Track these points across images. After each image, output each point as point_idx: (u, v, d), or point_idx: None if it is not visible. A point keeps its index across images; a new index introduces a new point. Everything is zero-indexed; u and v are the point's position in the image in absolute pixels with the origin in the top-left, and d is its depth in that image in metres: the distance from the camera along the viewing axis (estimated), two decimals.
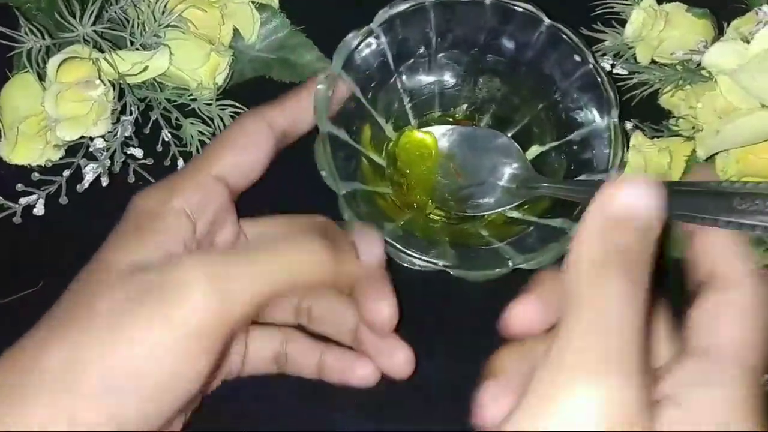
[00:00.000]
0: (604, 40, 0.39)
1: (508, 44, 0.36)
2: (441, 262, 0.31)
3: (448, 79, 0.38)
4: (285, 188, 0.35)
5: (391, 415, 0.36)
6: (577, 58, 0.35)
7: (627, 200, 0.23)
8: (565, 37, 0.35)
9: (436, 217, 0.36)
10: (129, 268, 0.27)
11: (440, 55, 0.37)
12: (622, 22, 0.39)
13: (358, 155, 0.35)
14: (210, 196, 0.31)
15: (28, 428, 0.25)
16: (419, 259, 0.31)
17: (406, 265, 0.32)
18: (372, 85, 0.36)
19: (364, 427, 0.35)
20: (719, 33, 0.38)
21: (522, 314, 0.28)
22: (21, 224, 0.37)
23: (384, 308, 0.30)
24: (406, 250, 0.31)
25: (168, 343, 0.26)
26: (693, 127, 0.38)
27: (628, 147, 0.36)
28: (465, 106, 0.38)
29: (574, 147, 0.36)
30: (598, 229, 0.23)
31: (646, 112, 0.39)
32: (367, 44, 0.35)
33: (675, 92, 0.39)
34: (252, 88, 0.40)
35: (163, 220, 0.29)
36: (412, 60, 0.36)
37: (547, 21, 0.35)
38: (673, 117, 0.40)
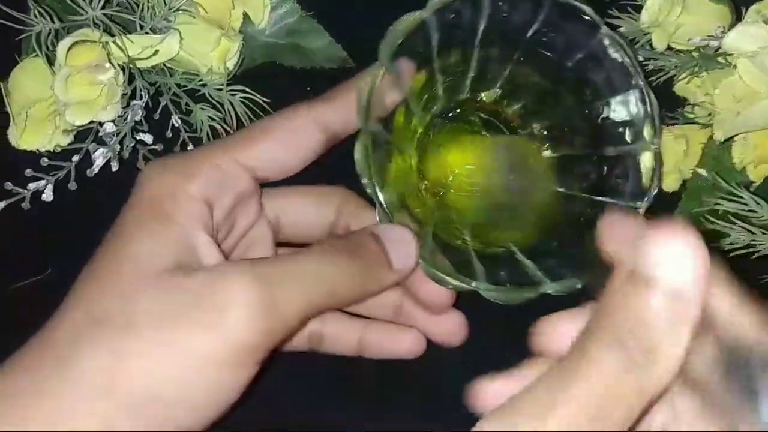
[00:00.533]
0: (619, 26, 0.38)
1: (558, 41, 0.33)
2: (474, 284, 0.30)
3: (485, 64, 0.35)
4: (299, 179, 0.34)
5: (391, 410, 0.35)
6: (629, 73, 0.33)
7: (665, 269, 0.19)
8: (619, 48, 0.33)
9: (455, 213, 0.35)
10: (166, 270, 0.26)
11: (483, 41, 0.34)
12: (638, 8, 0.38)
13: (391, 150, 0.33)
14: (230, 181, 0.29)
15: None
16: (452, 279, 0.30)
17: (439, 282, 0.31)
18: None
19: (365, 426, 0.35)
20: (737, 18, 0.38)
21: (551, 332, 0.26)
22: (30, 210, 0.37)
23: (443, 290, 0.30)
24: (440, 273, 0.30)
25: (215, 355, 0.25)
26: (709, 114, 0.38)
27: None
28: (497, 91, 0.36)
29: (607, 163, 0.34)
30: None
31: (662, 99, 0.39)
32: (415, 32, 0.31)
33: (691, 79, 0.39)
34: (262, 73, 0.40)
35: (181, 208, 0.28)
36: (454, 45, 0.34)
37: (604, 29, 0.33)
38: (689, 104, 0.39)
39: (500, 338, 0.35)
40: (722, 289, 0.21)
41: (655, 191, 0.32)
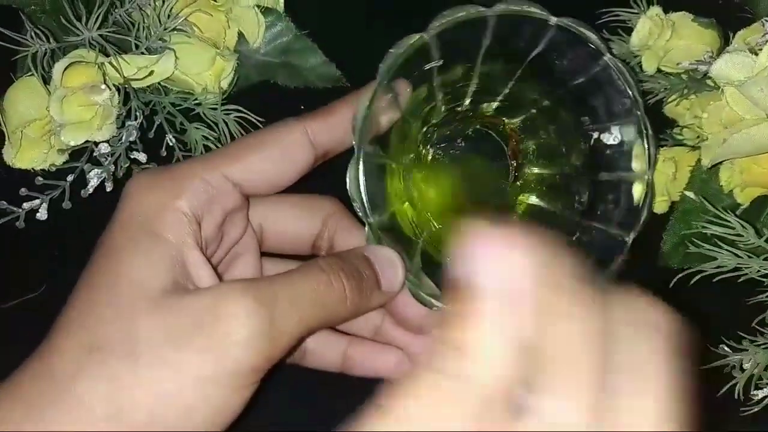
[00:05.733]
0: (610, 48, 0.39)
1: (562, 64, 0.33)
2: None
3: (487, 79, 0.35)
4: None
5: None
6: (628, 101, 0.33)
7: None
8: (621, 77, 0.32)
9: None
10: (164, 292, 0.26)
11: (486, 60, 0.34)
12: (629, 31, 0.39)
13: (385, 170, 0.33)
14: (218, 197, 0.29)
15: None
16: (439, 301, 0.30)
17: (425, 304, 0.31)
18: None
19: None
20: (725, 43, 0.38)
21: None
22: (24, 229, 0.37)
23: (426, 310, 0.30)
24: (426, 296, 0.30)
25: (217, 378, 0.25)
26: (698, 137, 0.38)
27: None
28: (496, 105, 0.36)
29: (599, 188, 0.34)
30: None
31: (652, 121, 0.39)
32: (416, 55, 0.31)
33: (680, 102, 0.39)
34: (257, 92, 0.40)
35: (171, 225, 0.27)
36: (455, 63, 0.33)
37: (607, 56, 0.32)
38: (678, 126, 0.40)
39: None
40: None
41: (643, 223, 0.32)
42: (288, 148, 0.30)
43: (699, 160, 0.38)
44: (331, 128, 0.30)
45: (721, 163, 0.37)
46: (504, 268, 0.17)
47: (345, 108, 0.30)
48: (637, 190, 0.33)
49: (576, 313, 0.17)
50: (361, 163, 0.29)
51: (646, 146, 0.33)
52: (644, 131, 0.33)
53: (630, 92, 0.32)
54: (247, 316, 0.25)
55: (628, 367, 0.18)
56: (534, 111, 0.36)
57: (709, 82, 0.38)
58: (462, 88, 0.35)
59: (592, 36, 0.32)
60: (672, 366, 0.18)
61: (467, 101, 0.36)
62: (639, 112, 0.33)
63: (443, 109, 0.35)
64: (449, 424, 0.16)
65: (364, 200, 0.29)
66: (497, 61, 0.34)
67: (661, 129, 0.40)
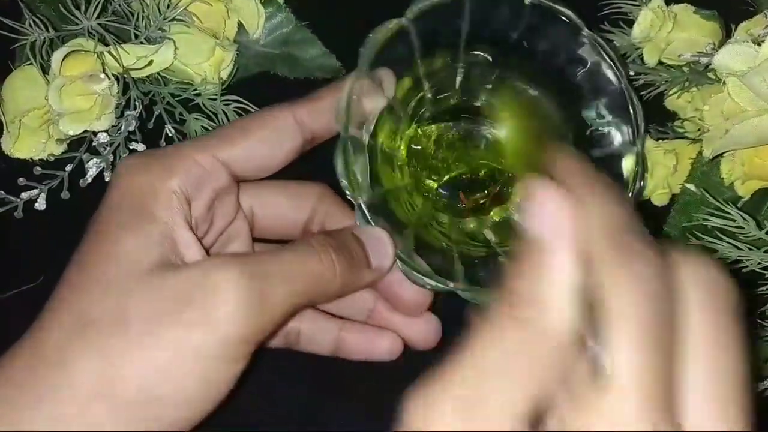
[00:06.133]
0: (611, 41, 0.39)
1: (543, 46, 0.34)
2: (451, 285, 0.31)
3: (472, 69, 0.35)
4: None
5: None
6: (611, 76, 0.33)
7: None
8: (601, 51, 0.33)
9: (444, 219, 0.36)
10: (154, 268, 0.26)
11: (468, 47, 0.34)
12: (630, 23, 0.39)
13: (374, 153, 0.34)
14: (208, 177, 0.29)
15: None
16: (430, 279, 0.31)
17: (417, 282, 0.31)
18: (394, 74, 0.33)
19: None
20: (727, 35, 0.38)
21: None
22: (22, 219, 0.37)
23: (420, 292, 0.31)
24: (417, 274, 0.31)
25: (206, 351, 0.25)
26: (699, 130, 0.38)
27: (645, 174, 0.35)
28: (484, 97, 0.37)
29: (594, 165, 0.35)
30: None
31: (653, 114, 0.39)
32: (395, 38, 0.32)
33: (681, 94, 0.39)
34: (256, 83, 0.40)
35: (162, 204, 0.28)
36: (438, 50, 0.34)
37: (585, 32, 0.33)
38: (679, 119, 0.40)
39: None
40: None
41: (639, 193, 0.33)
42: (276, 132, 0.30)
43: (700, 153, 0.37)
44: (318, 113, 0.31)
45: (722, 155, 0.37)
46: (570, 221, 0.18)
47: (331, 94, 0.31)
48: (628, 163, 0.33)
49: (643, 271, 0.18)
50: (345, 145, 0.30)
51: (633, 118, 0.33)
52: (630, 103, 0.33)
53: (612, 65, 0.33)
54: (235, 288, 0.25)
55: (698, 330, 0.18)
56: (523, 100, 0.36)
57: (710, 74, 0.38)
58: (449, 79, 0.35)
59: (568, 12, 0.33)
60: (738, 334, 0.19)
61: (456, 95, 0.36)
62: (623, 85, 0.33)
63: (432, 102, 0.36)
64: (525, 368, 0.18)
65: (351, 180, 0.30)
66: (480, 51, 0.34)
67: (663, 122, 0.40)
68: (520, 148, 0.36)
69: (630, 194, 0.33)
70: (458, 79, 0.35)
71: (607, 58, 0.33)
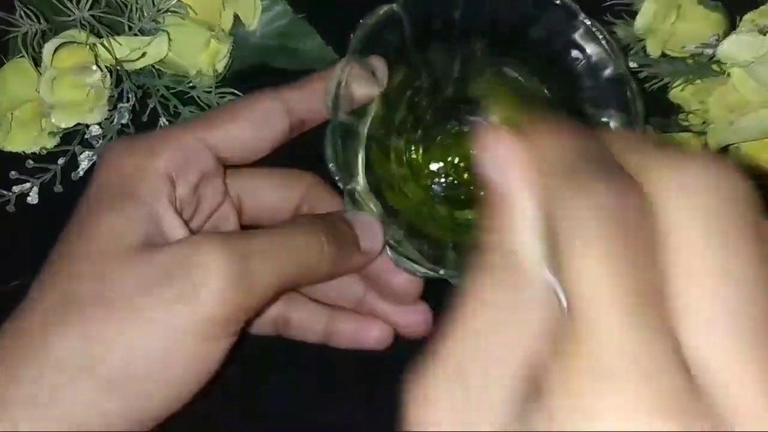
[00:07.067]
0: (614, 32, 0.38)
1: (537, 33, 0.33)
2: (442, 272, 0.30)
3: (468, 58, 0.35)
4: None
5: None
6: (608, 61, 0.33)
7: None
8: (601, 39, 0.33)
9: (441, 209, 0.35)
10: (138, 246, 0.26)
11: (463, 33, 0.34)
12: (633, 14, 0.38)
13: (369, 141, 0.33)
14: (193, 158, 0.29)
15: (50, 419, 0.24)
16: (421, 266, 0.30)
17: (408, 270, 0.31)
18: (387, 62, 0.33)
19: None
20: (731, 26, 0.37)
21: None
22: (14, 213, 0.36)
23: (411, 280, 0.31)
24: (408, 261, 0.30)
25: (190, 327, 0.25)
26: (703, 122, 0.37)
27: None
28: (481, 86, 0.36)
29: None
30: None
31: (656, 106, 0.39)
32: (386, 25, 0.32)
33: (685, 86, 0.38)
34: (252, 75, 0.40)
35: (147, 184, 0.28)
36: (432, 37, 0.34)
37: (582, 16, 0.33)
38: (683, 112, 0.39)
39: None
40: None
41: None
42: (263, 115, 0.30)
43: (704, 146, 0.37)
44: (307, 98, 0.31)
45: (727, 148, 0.36)
46: (522, 162, 0.16)
47: (320, 79, 0.31)
48: None
49: (599, 192, 0.15)
50: (336, 129, 0.30)
51: (633, 107, 0.32)
52: (627, 87, 0.32)
53: (609, 50, 0.32)
54: (218, 266, 0.25)
55: (689, 243, 0.14)
56: (521, 90, 0.36)
57: (714, 66, 0.37)
58: (445, 70, 0.35)
59: None
60: (741, 241, 0.14)
61: (452, 85, 0.36)
62: (621, 70, 0.32)
63: (429, 92, 0.35)
64: (509, 331, 0.15)
65: (340, 165, 0.30)
66: (476, 41, 0.34)
67: (666, 115, 0.39)
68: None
69: None
70: (455, 68, 0.35)
71: (606, 47, 0.32)
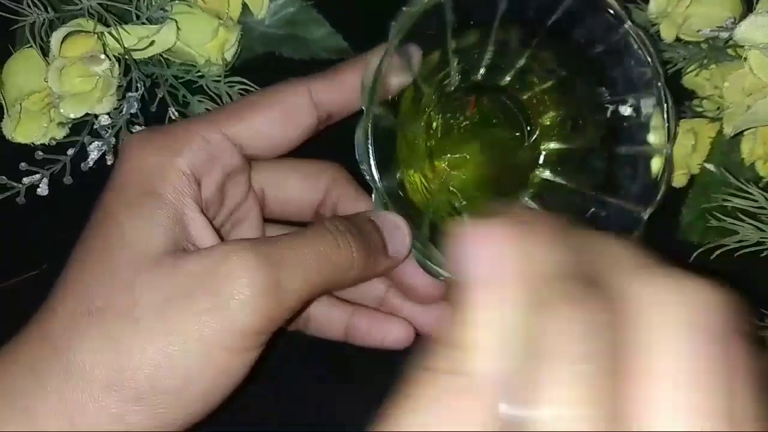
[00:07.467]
0: (651, 35, 0.37)
1: (580, 32, 0.32)
2: None
3: (503, 46, 0.34)
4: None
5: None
6: (647, 72, 0.32)
7: None
8: (637, 47, 0.31)
9: (464, 209, 0.35)
10: (165, 253, 0.25)
11: (501, 26, 0.32)
12: None
13: (395, 135, 0.32)
14: (218, 156, 0.28)
15: (73, 428, 0.24)
16: (444, 271, 0.29)
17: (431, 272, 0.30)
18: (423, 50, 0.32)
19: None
20: (747, 9, 0.37)
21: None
22: (25, 204, 0.36)
23: (434, 281, 0.30)
24: (432, 264, 0.29)
25: (220, 341, 0.24)
26: (718, 108, 0.37)
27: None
28: (512, 75, 0.35)
29: (617, 162, 0.33)
30: None
31: (670, 92, 0.38)
32: (430, 12, 0.29)
33: (700, 72, 0.38)
34: (261, 64, 0.39)
35: (171, 184, 0.26)
36: (470, 27, 0.32)
37: (628, 24, 0.31)
38: (697, 97, 0.38)
39: None
40: None
41: (661, 197, 0.31)
42: (291, 109, 0.29)
43: (719, 132, 0.36)
44: (336, 90, 0.29)
45: (742, 133, 0.36)
46: (491, 261, 0.16)
47: (351, 70, 0.29)
48: (656, 165, 0.32)
49: (566, 306, 0.15)
50: (370, 125, 0.28)
51: (666, 119, 0.31)
52: (664, 103, 0.31)
53: (650, 62, 0.31)
54: (250, 276, 0.24)
55: (658, 353, 0.15)
56: (551, 83, 0.35)
57: (730, 50, 0.36)
58: (477, 56, 0.34)
59: (612, 2, 0.31)
60: (713, 350, 0.15)
61: (482, 70, 0.35)
62: (659, 83, 0.31)
63: (458, 77, 0.34)
64: (451, 423, 0.15)
65: (372, 164, 0.28)
66: (513, 29, 0.33)
67: (680, 100, 0.38)
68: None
69: (656, 197, 0.31)
70: (486, 57, 0.34)
71: (646, 54, 0.31)
